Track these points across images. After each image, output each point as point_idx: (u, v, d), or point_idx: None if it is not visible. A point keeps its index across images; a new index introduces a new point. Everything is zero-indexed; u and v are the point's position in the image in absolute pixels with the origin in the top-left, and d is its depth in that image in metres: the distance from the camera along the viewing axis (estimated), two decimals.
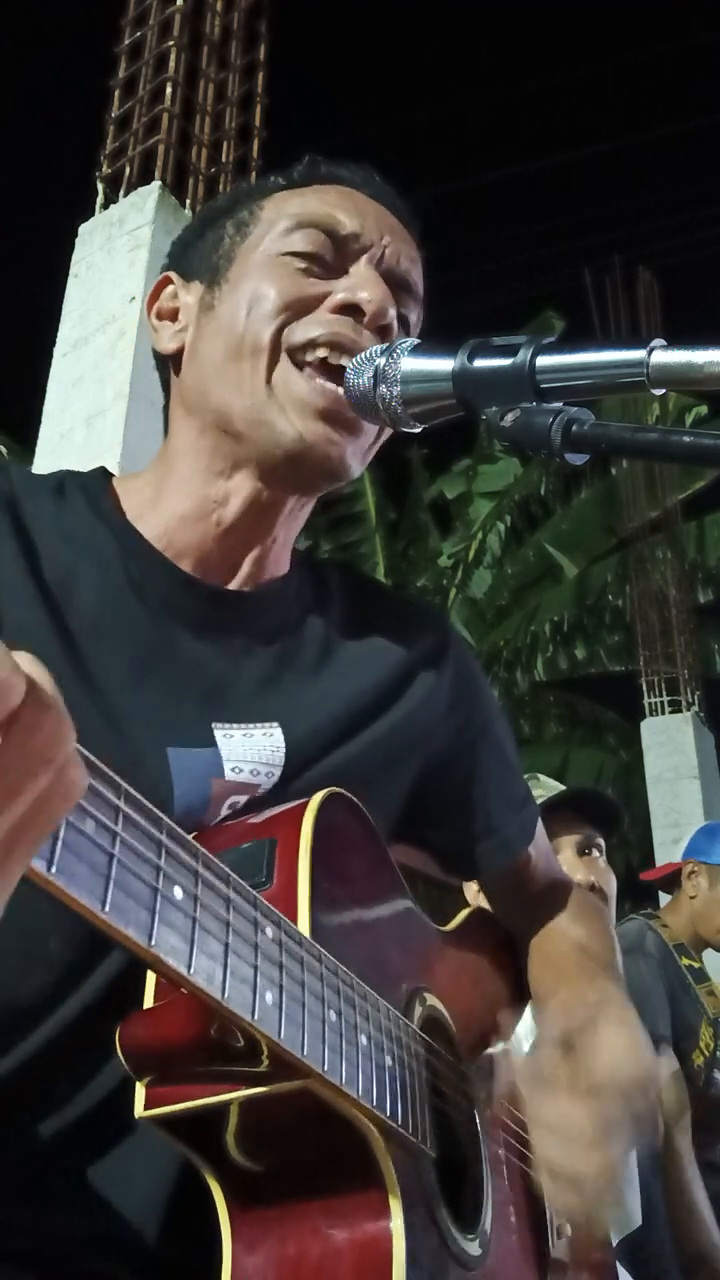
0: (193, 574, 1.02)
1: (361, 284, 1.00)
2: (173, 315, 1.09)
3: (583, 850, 2.44)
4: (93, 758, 0.56)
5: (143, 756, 0.91)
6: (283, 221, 1.04)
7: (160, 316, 1.09)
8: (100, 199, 5.46)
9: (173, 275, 1.10)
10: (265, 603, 1.05)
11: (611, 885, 2.47)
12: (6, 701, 0.45)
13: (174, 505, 1.03)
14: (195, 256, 1.09)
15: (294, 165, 1.10)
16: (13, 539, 0.95)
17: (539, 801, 2.37)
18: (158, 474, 1.06)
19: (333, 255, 1.02)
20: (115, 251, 5.05)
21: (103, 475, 1.08)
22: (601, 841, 2.48)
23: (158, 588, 0.99)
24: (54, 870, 0.53)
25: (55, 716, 0.48)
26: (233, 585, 1.04)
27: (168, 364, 1.10)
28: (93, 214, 5.41)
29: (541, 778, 2.65)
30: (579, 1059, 0.91)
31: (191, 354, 1.06)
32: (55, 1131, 0.87)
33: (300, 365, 0.98)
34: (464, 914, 1.22)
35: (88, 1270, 0.87)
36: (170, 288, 1.10)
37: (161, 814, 0.63)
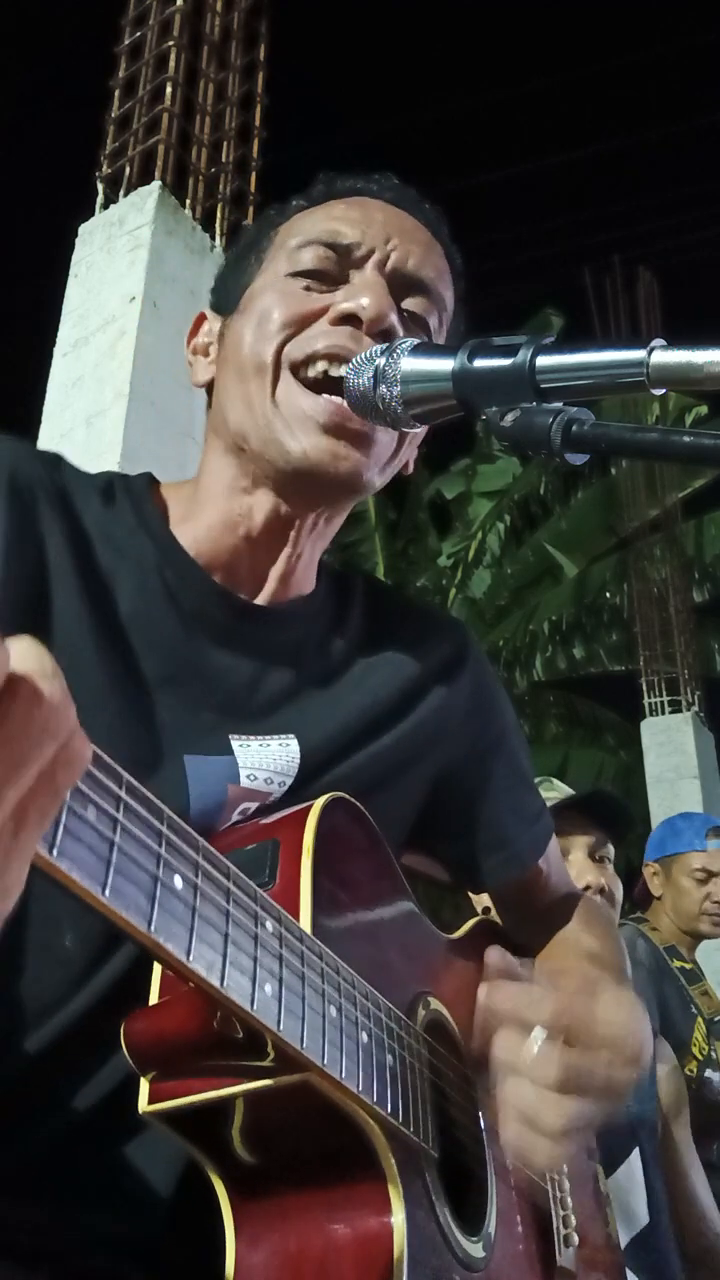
0: (223, 585, 1.04)
1: (359, 291, 1.01)
2: (206, 350, 1.13)
3: (594, 854, 2.43)
4: (96, 749, 0.57)
5: (160, 761, 0.93)
6: (291, 242, 1.07)
7: (195, 352, 1.14)
8: (100, 199, 5.46)
9: (207, 311, 1.15)
10: (290, 619, 1.07)
11: (619, 891, 2.46)
12: (3, 669, 0.46)
13: (206, 517, 1.05)
14: (225, 290, 1.13)
15: (314, 185, 1.13)
16: (63, 530, 0.97)
17: (550, 804, 2.38)
18: (194, 486, 1.09)
19: (336, 267, 1.04)
20: (115, 251, 5.05)
21: (148, 481, 1.11)
22: (611, 848, 2.47)
23: (191, 597, 1.02)
24: (56, 854, 0.53)
25: (58, 688, 0.48)
26: (260, 599, 1.06)
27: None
28: (93, 214, 5.41)
29: (554, 781, 2.64)
30: (572, 1019, 0.87)
31: (217, 382, 1.09)
32: (62, 1128, 0.88)
33: (304, 381, 1.00)
34: (470, 923, 1.22)
35: (94, 1267, 0.87)
36: (205, 324, 1.15)
37: (162, 805, 0.64)
